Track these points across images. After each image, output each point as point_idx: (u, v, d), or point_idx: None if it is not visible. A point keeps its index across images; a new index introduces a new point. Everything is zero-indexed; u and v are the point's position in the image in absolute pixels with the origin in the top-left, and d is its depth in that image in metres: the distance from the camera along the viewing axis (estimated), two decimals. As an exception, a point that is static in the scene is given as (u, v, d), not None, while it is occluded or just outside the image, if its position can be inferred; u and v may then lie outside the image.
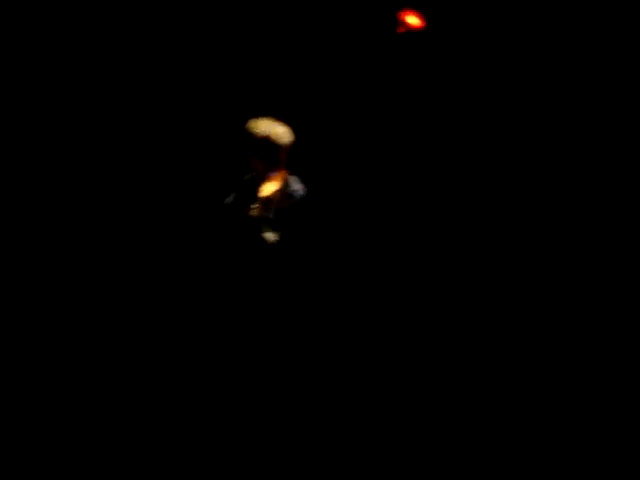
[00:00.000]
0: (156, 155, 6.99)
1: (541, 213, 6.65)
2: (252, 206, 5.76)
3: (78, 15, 6.71)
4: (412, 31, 6.67)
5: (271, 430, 5.17)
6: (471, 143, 6.85)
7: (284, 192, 5.70)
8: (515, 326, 5.97)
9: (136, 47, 6.97)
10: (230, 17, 7.02)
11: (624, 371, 5.56)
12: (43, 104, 6.82)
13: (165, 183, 6.90)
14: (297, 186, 5.74)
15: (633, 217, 6.36)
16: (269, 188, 5.74)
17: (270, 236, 5.66)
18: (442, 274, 6.43)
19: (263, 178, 5.72)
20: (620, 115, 6.50)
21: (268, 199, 5.71)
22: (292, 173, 5.76)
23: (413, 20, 6.65)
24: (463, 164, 6.83)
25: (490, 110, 6.81)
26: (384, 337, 5.96)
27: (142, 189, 6.88)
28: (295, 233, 5.75)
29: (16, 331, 5.93)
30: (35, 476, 4.93)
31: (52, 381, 5.56)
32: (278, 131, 5.64)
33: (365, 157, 7.02)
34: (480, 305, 6.23)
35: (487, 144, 6.81)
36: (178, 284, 5.80)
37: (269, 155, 5.66)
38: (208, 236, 5.67)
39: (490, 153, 6.79)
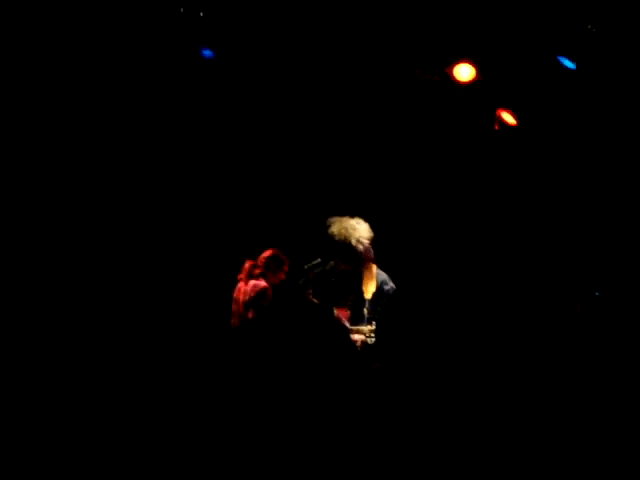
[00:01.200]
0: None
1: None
2: (340, 306, 5.87)
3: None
4: (507, 128, 6.92)
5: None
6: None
7: (380, 291, 5.70)
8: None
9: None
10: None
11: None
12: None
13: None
14: (390, 284, 5.76)
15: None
16: (370, 289, 5.75)
17: (366, 329, 5.64)
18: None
19: (355, 277, 5.77)
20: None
21: (370, 300, 5.75)
22: (380, 269, 5.79)
23: (509, 118, 6.91)
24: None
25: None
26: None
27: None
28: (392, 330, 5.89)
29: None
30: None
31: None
32: (357, 234, 5.66)
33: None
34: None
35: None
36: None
37: (352, 259, 5.67)
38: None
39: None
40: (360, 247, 5.65)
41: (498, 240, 7.26)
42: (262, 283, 6.53)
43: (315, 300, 5.77)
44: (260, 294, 6.46)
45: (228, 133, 7.38)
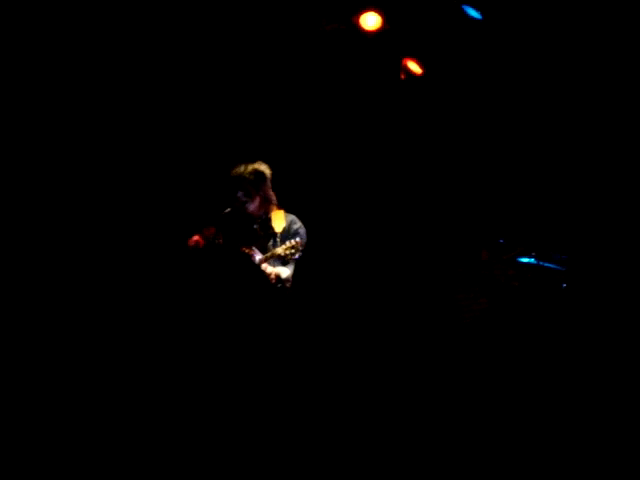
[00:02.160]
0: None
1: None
2: (268, 245, 6.04)
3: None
4: (413, 77, 6.96)
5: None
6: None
7: (288, 228, 6.08)
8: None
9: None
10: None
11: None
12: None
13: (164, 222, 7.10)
14: (298, 223, 6.15)
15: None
16: (279, 224, 6.07)
17: (285, 272, 5.97)
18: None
19: (263, 217, 6.11)
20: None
21: (281, 235, 6.02)
22: (288, 212, 6.14)
23: (414, 67, 6.95)
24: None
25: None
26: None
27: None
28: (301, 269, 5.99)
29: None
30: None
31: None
32: (257, 165, 6.08)
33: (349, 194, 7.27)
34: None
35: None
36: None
37: (258, 188, 6.03)
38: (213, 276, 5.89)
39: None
40: (266, 172, 6.07)
41: (405, 191, 7.32)
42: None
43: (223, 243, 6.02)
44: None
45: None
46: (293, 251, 5.92)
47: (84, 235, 6.89)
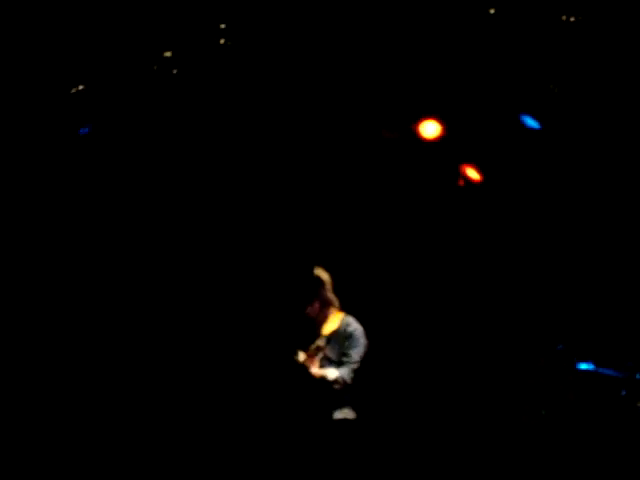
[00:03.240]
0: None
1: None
2: (312, 346, 6.12)
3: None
4: (471, 185, 7.09)
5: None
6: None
7: (342, 331, 6.12)
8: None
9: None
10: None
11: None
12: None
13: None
14: (355, 325, 6.16)
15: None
16: (329, 327, 6.15)
17: (332, 373, 5.99)
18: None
19: (319, 320, 6.18)
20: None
21: (328, 337, 6.10)
22: (347, 314, 6.20)
23: (473, 174, 7.08)
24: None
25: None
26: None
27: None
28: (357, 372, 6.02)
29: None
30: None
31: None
32: (317, 271, 6.18)
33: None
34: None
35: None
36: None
37: (316, 292, 6.13)
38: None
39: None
40: (324, 277, 6.16)
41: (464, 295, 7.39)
42: None
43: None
44: None
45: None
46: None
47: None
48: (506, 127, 6.82)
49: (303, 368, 6.00)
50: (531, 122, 6.75)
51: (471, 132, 6.93)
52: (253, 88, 6.96)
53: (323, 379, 5.97)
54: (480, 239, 7.28)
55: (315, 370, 6.01)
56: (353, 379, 5.99)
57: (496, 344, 7.12)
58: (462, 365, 7.08)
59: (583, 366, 6.81)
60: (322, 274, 6.19)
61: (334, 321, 6.17)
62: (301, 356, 6.09)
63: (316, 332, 6.16)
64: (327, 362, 6.06)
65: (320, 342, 6.09)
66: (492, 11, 6.44)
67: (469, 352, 7.15)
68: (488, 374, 7.00)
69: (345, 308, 6.22)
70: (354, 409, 6.00)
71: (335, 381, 5.97)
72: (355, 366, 6.01)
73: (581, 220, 7.09)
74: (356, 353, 6.03)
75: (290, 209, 7.44)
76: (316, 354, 6.07)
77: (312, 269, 6.21)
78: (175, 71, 6.99)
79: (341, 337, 6.09)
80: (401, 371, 7.15)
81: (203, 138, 7.25)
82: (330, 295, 6.19)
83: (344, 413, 6.00)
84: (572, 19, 6.38)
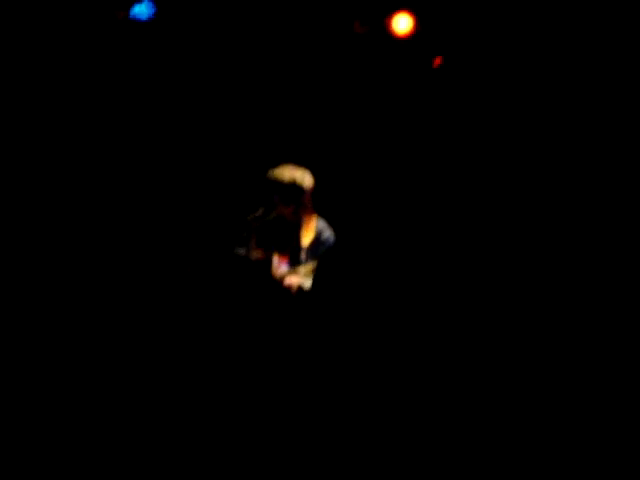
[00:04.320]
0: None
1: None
2: (281, 253, 6.13)
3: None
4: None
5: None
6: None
7: (317, 238, 6.09)
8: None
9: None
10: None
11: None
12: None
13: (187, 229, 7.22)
14: (328, 232, 6.13)
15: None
16: (308, 236, 6.14)
17: (305, 282, 5.99)
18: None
19: (295, 224, 6.11)
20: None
21: (309, 247, 6.10)
22: (319, 217, 6.15)
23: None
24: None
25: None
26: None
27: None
28: (328, 279, 6.04)
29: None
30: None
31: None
32: (302, 175, 6.03)
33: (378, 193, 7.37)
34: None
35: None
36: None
37: (296, 199, 6.02)
38: (232, 283, 5.93)
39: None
40: (306, 184, 5.99)
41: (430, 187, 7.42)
42: None
43: (258, 250, 6.07)
44: None
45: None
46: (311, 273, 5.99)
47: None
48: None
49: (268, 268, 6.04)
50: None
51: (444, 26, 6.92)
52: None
53: (300, 287, 5.97)
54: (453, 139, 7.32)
55: (294, 279, 6.01)
56: None
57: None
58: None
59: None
60: (305, 180, 6.04)
61: (309, 228, 6.16)
62: (284, 266, 6.11)
63: (292, 236, 6.17)
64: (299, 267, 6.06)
65: (301, 270, 5.99)
66: None
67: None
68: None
69: (318, 210, 6.26)
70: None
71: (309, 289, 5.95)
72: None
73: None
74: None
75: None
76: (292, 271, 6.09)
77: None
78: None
79: (315, 245, 6.07)
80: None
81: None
82: (308, 201, 6.07)
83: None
84: None
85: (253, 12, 7.10)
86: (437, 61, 6.99)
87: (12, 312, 6.28)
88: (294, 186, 6.00)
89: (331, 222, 6.25)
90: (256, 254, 6.11)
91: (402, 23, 6.98)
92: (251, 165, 7.06)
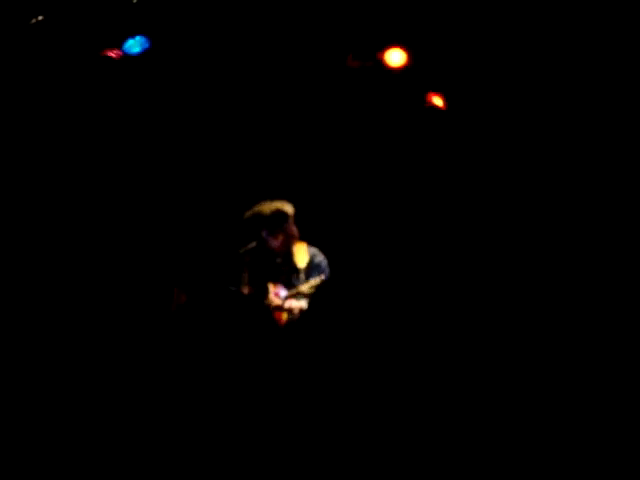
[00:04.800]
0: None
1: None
2: (275, 282, 6.19)
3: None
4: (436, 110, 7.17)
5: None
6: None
7: (311, 262, 6.22)
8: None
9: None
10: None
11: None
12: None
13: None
14: (321, 256, 6.30)
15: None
16: (302, 259, 6.23)
17: (304, 288, 6.09)
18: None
19: (287, 252, 6.24)
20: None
21: (304, 270, 6.17)
22: (310, 245, 6.30)
23: (439, 102, 7.17)
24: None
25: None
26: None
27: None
28: (325, 303, 6.09)
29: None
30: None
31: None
32: (281, 204, 6.24)
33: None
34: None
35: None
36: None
37: (282, 227, 6.19)
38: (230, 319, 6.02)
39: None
40: (289, 210, 6.18)
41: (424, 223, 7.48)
42: None
43: (248, 286, 6.13)
44: None
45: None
46: (315, 290, 6.06)
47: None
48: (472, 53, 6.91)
49: (260, 300, 6.10)
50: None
51: (437, 60, 7.00)
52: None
53: (301, 311, 6.08)
54: (448, 168, 7.38)
55: (295, 304, 6.08)
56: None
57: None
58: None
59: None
60: (286, 207, 6.24)
61: (302, 253, 6.26)
62: (282, 292, 6.18)
63: (280, 265, 6.24)
64: (300, 296, 6.16)
65: (303, 288, 6.15)
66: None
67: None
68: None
69: (305, 238, 6.32)
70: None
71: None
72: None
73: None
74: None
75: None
76: (294, 292, 6.15)
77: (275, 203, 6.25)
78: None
79: (310, 269, 6.20)
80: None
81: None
82: (293, 227, 6.27)
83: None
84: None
85: (247, 45, 7.15)
86: (430, 98, 7.07)
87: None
88: (278, 213, 6.18)
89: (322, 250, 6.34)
90: (248, 289, 6.18)
91: (395, 57, 7.06)
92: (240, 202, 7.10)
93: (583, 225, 6.87)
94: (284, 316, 6.14)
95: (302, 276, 6.18)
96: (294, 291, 6.13)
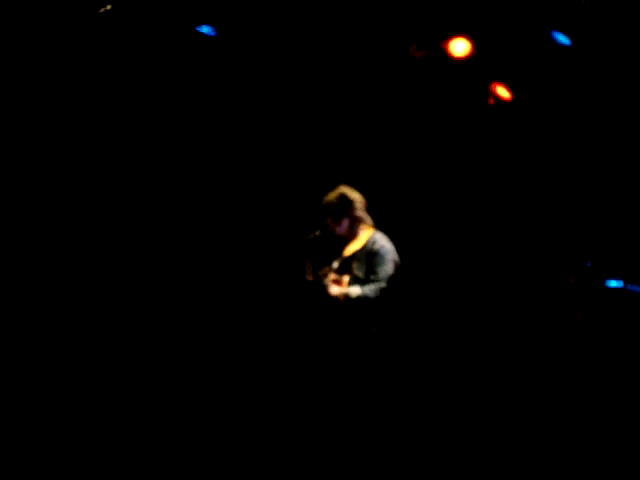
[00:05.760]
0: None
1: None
2: (324, 268, 6.19)
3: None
4: (501, 103, 7.04)
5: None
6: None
7: (369, 249, 6.13)
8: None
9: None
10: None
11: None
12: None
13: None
14: (382, 242, 6.16)
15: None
16: (357, 244, 6.18)
17: (354, 291, 6.02)
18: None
19: (349, 238, 6.21)
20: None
21: (351, 256, 6.13)
22: (378, 231, 6.22)
23: (503, 92, 7.03)
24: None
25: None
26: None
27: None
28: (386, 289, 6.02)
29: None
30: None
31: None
32: (347, 190, 6.23)
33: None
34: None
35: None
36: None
37: (346, 212, 6.16)
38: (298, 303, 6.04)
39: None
40: (353, 196, 6.17)
41: (492, 216, 7.38)
42: None
43: (312, 274, 6.12)
44: None
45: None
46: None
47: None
48: (537, 44, 6.75)
49: (321, 288, 6.07)
50: (562, 39, 6.67)
51: (501, 50, 6.86)
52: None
53: (347, 297, 6.04)
54: (509, 158, 7.26)
55: (336, 290, 6.06)
56: (379, 297, 5.98)
57: (523, 265, 7.15)
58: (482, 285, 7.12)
59: (613, 283, 6.83)
60: (351, 193, 6.21)
61: (361, 239, 6.22)
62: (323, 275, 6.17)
63: (337, 248, 6.23)
64: (355, 280, 6.10)
65: (335, 264, 6.15)
66: None
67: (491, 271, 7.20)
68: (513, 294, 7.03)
69: (380, 226, 6.26)
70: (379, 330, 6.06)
71: (358, 297, 6.01)
72: (382, 284, 6.01)
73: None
74: (383, 271, 6.03)
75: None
76: (327, 275, 6.14)
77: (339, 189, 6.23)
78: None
79: (367, 255, 6.11)
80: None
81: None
82: (361, 213, 6.22)
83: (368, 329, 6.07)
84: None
85: (309, 36, 7.09)
86: (494, 89, 6.94)
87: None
88: (342, 198, 6.16)
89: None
90: (312, 277, 6.17)
91: (459, 46, 6.94)
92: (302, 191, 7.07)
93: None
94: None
95: (358, 262, 6.13)
96: (337, 277, 6.10)
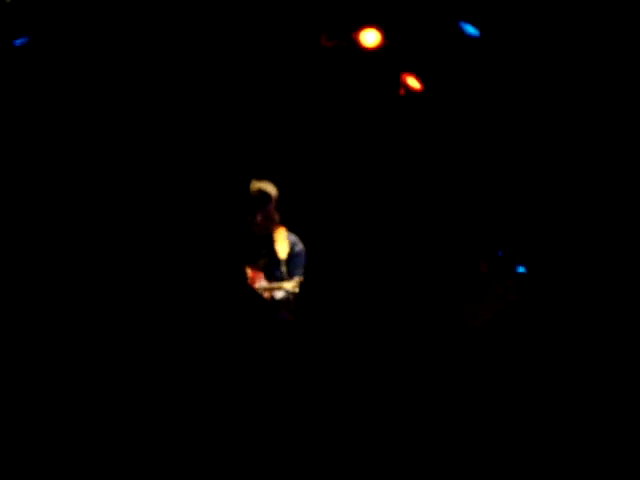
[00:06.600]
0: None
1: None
2: (260, 262, 6.15)
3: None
4: (412, 93, 7.09)
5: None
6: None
7: (292, 250, 6.19)
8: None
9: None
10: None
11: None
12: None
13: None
14: (300, 244, 6.29)
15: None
16: (283, 249, 6.16)
17: (288, 285, 6.01)
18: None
19: (266, 236, 6.15)
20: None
21: (285, 261, 6.12)
22: (289, 230, 6.27)
23: (414, 83, 7.08)
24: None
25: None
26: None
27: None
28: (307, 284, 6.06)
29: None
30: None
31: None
32: (265, 185, 6.21)
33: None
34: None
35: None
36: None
37: (262, 208, 6.10)
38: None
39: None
40: (271, 191, 6.14)
41: (402, 207, 7.42)
42: None
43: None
44: None
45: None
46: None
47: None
48: (446, 35, 6.81)
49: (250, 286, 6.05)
50: (471, 30, 6.73)
51: (411, 41, 6.90)
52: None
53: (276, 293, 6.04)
54: (420, 148, 7.30)
55: (265, 284, 6.06)
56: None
57: (435, 255, 7.21)
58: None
59: (522, 269, 6.94)
60: (269, 188, 6.17)
61: (283, 241, 6.18)
62: (249, 272, 6.14)
63: (259, 247, 6.19)
64: (280, 280, 6.15)
65: (288, 285, 6.11)
66: None
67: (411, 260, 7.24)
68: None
69: (284, 222, 6.26)
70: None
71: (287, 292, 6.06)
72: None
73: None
74: (301, 270, 6.13)
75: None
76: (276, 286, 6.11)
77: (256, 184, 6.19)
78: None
79: (292, 256, 6.18)
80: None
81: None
82: (274, 211, 6.20)
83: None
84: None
85: (223, 27, 7.03)
86: (405, 79, 6.98)
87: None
88: (260, 194, 6.12)
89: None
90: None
91: (370, 37, 6.95)
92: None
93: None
94: None
95: (284, 268, 6.12)
96: (275, 285, 6.08)
